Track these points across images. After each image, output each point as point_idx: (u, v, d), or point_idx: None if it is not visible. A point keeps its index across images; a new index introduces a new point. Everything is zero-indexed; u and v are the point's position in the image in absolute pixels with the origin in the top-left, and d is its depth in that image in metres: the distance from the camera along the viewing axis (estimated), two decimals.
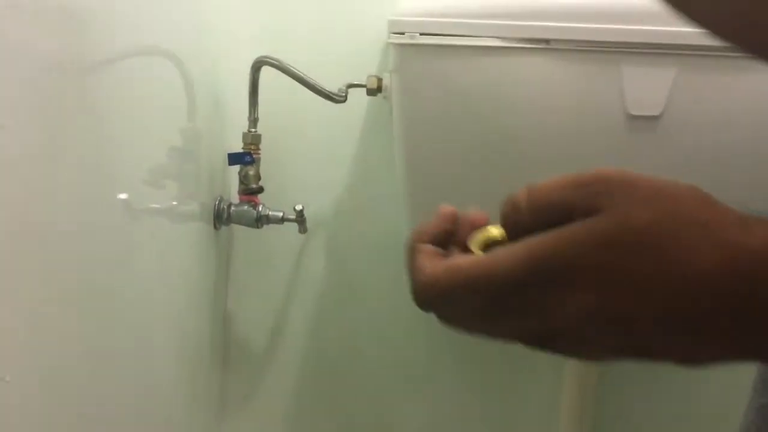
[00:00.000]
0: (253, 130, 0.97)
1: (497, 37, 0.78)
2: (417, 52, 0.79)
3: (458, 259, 0.34)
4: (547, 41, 0.77)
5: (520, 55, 0.78)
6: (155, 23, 0.75)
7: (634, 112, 0.78)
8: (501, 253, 0.32)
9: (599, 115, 0.78)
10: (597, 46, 0.77)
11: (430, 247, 0.36)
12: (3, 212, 0.48)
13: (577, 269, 0.30)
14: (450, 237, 0.37)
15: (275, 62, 0.93)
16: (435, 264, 0.34)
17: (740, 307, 0.29)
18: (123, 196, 0.70)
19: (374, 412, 1.10)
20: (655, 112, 0.78)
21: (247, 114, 0.97)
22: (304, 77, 0.93)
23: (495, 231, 0.35)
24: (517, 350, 1.07)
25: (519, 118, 0.79)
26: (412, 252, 0.36)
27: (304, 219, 0.97)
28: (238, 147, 0.97)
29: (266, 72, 0.95)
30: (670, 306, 0.30)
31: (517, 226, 0.33)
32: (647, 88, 0.77)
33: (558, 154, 0.80)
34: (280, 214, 0.97)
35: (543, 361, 1.06)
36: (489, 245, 0.35)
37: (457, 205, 0.37)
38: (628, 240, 0.30)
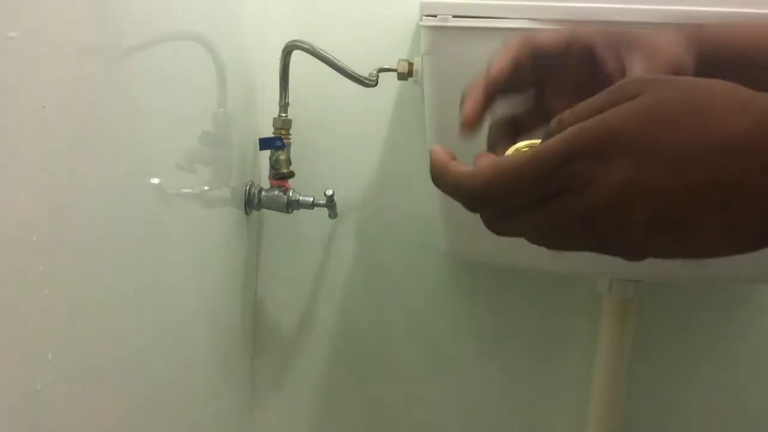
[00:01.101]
0: (283, 114, 0.97)
1: (530, 19, 0.77)
2: (449, 34, 0.79)
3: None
4: (581, 23, 0.76)
5: None
6: (187, 8, 0.75)
7: None
8: (546, 141, 0.34)
9: None
10: (632, 27, 0.75)
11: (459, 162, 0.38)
12: (42, 194, 0.49)
13: (617, 140, 0.32)
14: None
15: (306, 46, 0.93)
16: (476, 165, 0.37)
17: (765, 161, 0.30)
18: (155, 180, 0.70)
19: (403, 397, 1.10)
20: None
21: (277, 99, 0.97)
22: (335, 61, 0.93)
23: (528, 142, 0.38)
24: (549, 329, 1.06)
25: None
26: (445, 169, 0.38)
27: (335, 204, 0.97)
28: (268, 132, 0.97)
29: (297, 56, 0.95)
30: (706, 175, 0.31)
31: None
32: None
33: None
34: (311, 199, 0.97)
35: (574, 337, 1.06)
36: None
37: None
38: (664, 111, 0.32)
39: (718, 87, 0.33)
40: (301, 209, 0.98)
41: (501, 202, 0.36)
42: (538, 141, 0.38)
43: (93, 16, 0.55)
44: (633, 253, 0.34)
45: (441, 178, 0.38)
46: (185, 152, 0.78)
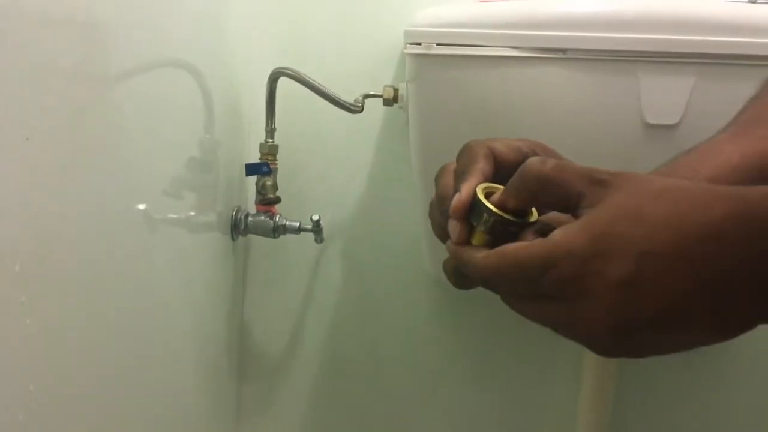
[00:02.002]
0: (270, 140, 0.97)
1: (513, 47, 0.78)
2: (433, 62, 0.80)
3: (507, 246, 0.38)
4: (563, 51, 0.77)
5: (536, 65, 0.78)
6: (175, 35, 0.76)
7: (652, 121, 0.77)
8: (539, 240, 0.36)
9: (616, 124, 0.78)
10: (614, 55, 0.77)
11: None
12: (26, 224, 0.49)
13: (608, 243, 0.33)
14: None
15: (292, 73, 0.94)
16: (486, 251, 0.38)
17: (755, 252, 0.31)
18: (142, 206, 0.70)
19: (391, 420, 1.09)
20: (673, 121, 0.77)
21: (264, 124, 0.97)
22: (321, 88, 0.94)
23: (489, 185, 0.41)
24: (536, 353, 1.07)
25: (535, 128, 0.79)
26: (460, 256, 0.40)
27: (321, 229, 0.98)
28: (255, 157, 0.98)
29: (283, 83, 0.95)
30: (693, 265, 0.32)
31: (540, 180, 0.37)
32: (665, 96, 0.77)
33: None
34: (297, 224, 0.97)
35: (560, 361, 1.06)
36: (490, 192, 0.41)
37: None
38: (641, 207, 0.33)
39: (676, 182, 0.35)
40: (287, 234, 0.98)
41: (506, 289, 0.38)
42: (500, 186, 0.40)
43: (79, 45, 0.56)
44: (629, 353, 0.35)
45: (461, 264, 0.41)
46: (171, 178, 0.78)
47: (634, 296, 0.32)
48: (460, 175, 0.41)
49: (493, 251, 0.38)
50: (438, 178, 0.44)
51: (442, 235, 0.42)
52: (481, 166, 0.41)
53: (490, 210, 0.39)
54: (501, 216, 0.39)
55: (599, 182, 0.35)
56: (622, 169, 0.81)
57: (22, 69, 0.47)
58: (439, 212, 0.43)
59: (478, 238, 0.40)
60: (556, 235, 0.35)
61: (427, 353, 1.08)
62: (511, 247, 0.37)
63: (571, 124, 0.79)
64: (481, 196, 0.40)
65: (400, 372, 1.09)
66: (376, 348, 1.08)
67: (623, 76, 0.77)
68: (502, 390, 1.08)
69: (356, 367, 1.09)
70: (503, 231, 0.39)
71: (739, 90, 0.78)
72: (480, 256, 0.38)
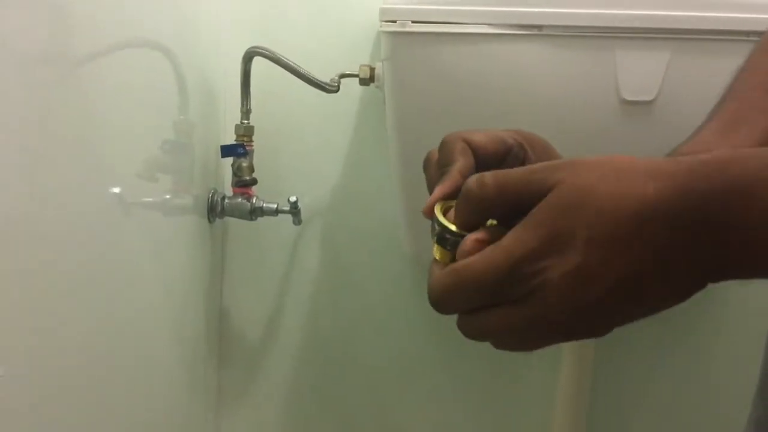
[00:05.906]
0: (245, 121, 0.96)
1: (489, 24, 0.77)
2: (408, 40, 0.79)
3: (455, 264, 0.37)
4: (539, 27, 0.77)
5: (512, 42, 0.77)
6: (146, 15, 0.75)
7: (628, 98, 0.77)
8: (489, 249, 0.36)
9: (593, 100, 0.78)
10: (590, 32, 0.76)
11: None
12: None
13: (557, 238, 0.34)
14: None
15: (267, 52, 0.93)
16: (440, 271, 0.38)
17: (689, 224, 0.33)
18: (116, 190, 0.69)
19: (371, 404, 1.09)
20: (649, 97, 0.77)
21: (239, 105, 0.96)
22: (296, 67, 0.93)
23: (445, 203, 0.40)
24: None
25: (512, 105, 0.79)
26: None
27: (299, 210, 0.97)
28: (231, 139, 0.97)
29: (258, 63, 0.94)
30: (634, 246, 0.33)
31: (482, 202, 0.37)
32: (641, 72, 0.77)
33: (551, 141, 0.79)
34: (275, 206, 0.97)
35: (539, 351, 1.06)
36: (448, 209, 0.40)
37: None
38: (581, 197, 0.34)
39: (624, 160, 0.35)
40: (265, 216, 0.97)
41: (460, 307, 0.37)
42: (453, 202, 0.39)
43: (46, 23, 0.54)
44: (595, 331, 0.36)
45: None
46: (145, 161, 0.77)
47: (584, 281, 0.34)
48: (440, 175, 0.41)
49: (443, 272, 0.37)
50: (425, 169, 0.43)
51: None
52: (459, 165, 0.40)
53: (439, 221, 0.39)
54: (445, 227, 0.38)
55: (542, 185, 0.35)
56: (600, 146, 0.81)
57: None
58: None
59: (436, 250, 0.39)
60: (512, 241, 0.35)
61: (405, 335, 1.08)
62: (458, 266, 0.37)
63: (547, 101, 0.78)
64: (437, 208, 0.39)
65: (378, 355, 1.08)
66: (354, 330, 1.08)
67: (600, 52, 0.77)
68: (482, 371, 1.08)
69: (335, 350, 1.08)
70: (450, 242, 0.38)
71: (714, 65, 0.78)
72: (435, 275, 0.38)
